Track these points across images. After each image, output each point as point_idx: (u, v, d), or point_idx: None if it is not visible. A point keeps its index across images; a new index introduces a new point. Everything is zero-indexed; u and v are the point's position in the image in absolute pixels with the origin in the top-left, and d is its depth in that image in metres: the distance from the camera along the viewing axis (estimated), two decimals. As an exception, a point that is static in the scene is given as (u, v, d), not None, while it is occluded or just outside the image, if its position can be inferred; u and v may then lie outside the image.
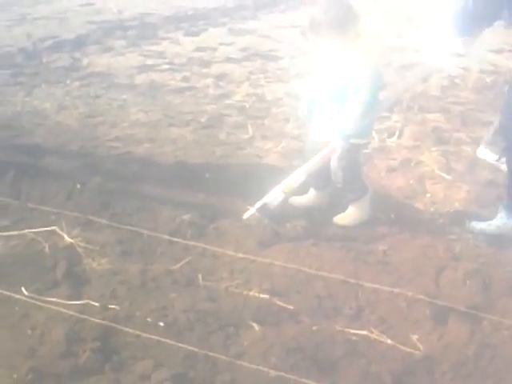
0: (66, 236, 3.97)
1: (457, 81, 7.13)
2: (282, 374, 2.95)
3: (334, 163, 4.17)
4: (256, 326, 3.28)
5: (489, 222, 4.14)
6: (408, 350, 3.17)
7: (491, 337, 3.26)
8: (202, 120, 6.10)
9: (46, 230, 4.04)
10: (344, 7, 4.00)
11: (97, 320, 3.26)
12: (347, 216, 4.30)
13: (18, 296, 3.43)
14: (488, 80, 7.04)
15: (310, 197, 4.49)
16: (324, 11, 3.97)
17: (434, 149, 5.41)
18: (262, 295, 3.50)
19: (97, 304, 3.40)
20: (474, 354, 3.15)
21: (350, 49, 4.00)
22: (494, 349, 3.18)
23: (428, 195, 4.63)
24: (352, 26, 3.98)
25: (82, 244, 3.92)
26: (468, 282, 3.66)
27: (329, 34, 3.95)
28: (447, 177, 4.91)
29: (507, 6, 3.63)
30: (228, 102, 6.66)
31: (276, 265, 3.75)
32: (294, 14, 10.41)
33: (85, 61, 7.99)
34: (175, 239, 3.99)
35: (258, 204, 4.09)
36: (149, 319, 3.31)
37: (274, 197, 4.12)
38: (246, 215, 4.10)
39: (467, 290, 3.60)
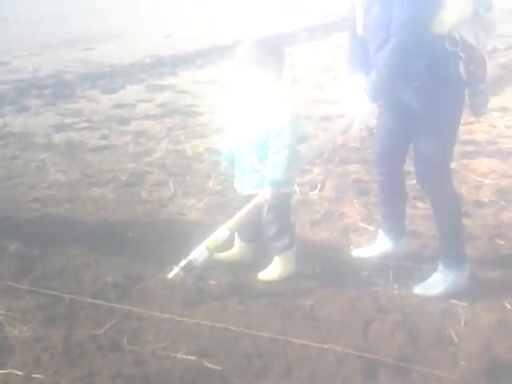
0: (-16, 304, 3.85)
1: (375, 131, 7.22)
2: None
3: (265, 215, 4.17)
4: (184, 389, 3.21)
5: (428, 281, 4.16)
6: (339, 406, 3.14)
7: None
8: (123, 178, 6.04)
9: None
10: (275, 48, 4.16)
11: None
12: (273, 270, 4.27)
13: None
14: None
15: (235, 251, 4.46)
16: (256, 46, 4.10)
17: (355, 200, 5.46)
18: (189, 357, 3.43)
19: (20, 373, 3.29)
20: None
21: (271, 91, 4.04)
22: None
23: (352, 247, 4.65)
24: (277, 67, 4.05)
25: (1, 311, 3.79)
26: (396, 333, 3.67)
27: (258, 66, 4.00)
28: (370, 228, 4.94)
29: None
30: (148, 159, 6.62)
31: (203, 324, 3.69)
32: (213, 68, 10.49)
33: (1, 121, 7.86)
34: (99, 302, 3.90)
35: (183, 262, 4.04)
36: (74, 388, 3.22)
37: (198, 254, 4.08)
38: (170, 274, 4.04)
39: (395, 342, 3.60)
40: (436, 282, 4.08)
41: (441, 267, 4.11)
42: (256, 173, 4.15)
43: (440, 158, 3.96)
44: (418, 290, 4.09)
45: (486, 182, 5.85)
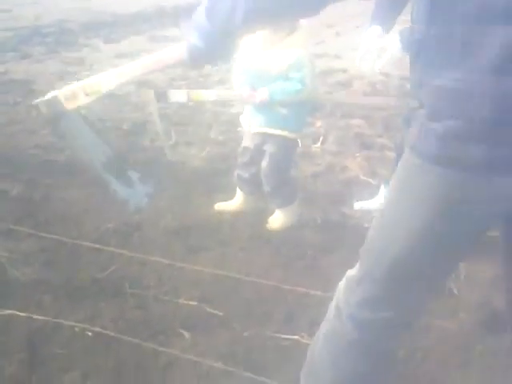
0: (-14, 246, 3.87)
1: (378, 86, 7.22)
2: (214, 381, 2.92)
3: (265, 165, 4.15)
4: (186, 334, 3.23)
5: None
6: (339, 353, 3.16)
7: (421, 338, 3.29)
8: (125, 127, 6.02)
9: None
10: None
11: (22, 331, 3.18)
12: (274, 221, 4.28)
13: None
14: (409, 86, 7.10)
15: (236, 202, 4.46)
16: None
17: (357, 154, 5.46)
18: (191, 302, 3.45)
19: (22, 314, 3.30)
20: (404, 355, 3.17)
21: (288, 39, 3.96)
22: (424, 350, 3.20)
23: (354, 200, 4.65)
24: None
25: (4, 254, 3.81)
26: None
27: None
28: (371, 181, 4.94)
29: None
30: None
31: (204, 271, 3.71)
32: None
33: (2, 68, 7.81)
34: (100, 247, 3.91)
35: None
36: (76, 329, 3.23)
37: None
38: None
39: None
40: None
41: None
42: (265, 110, 4.08)
43: None
44: None
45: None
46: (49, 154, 5.38)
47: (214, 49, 2.16)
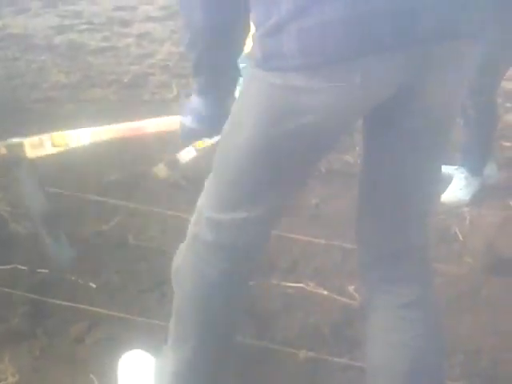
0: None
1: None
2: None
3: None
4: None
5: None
6: (345, 300, 3.17)
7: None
8: (125, 80, 5.97)
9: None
10: None
11: (26, 284, 3.18)
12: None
13: None
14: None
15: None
16: None
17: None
18: (195, 253, 3.44)
19: (25, 268, 3.30)
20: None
21: None
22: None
23: (357, 148, 4.62)
24: None
25: (6, 208, 3.79)
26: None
27: None
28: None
29: None
30: (151, 61, 6.54)
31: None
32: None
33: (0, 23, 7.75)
34: (103, 199, 3.90)
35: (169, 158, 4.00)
36: (80, 281, 3.23)
37: (185, 153, 4.04)
38: (155, 169, 3.95)
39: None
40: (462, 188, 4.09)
41: (466, 174, 4.10)
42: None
43: None
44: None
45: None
46: (49, 107, 5.34)
47: (210, 131, 2.26)
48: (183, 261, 2.20)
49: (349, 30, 1.70)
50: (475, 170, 4.08)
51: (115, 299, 3.11)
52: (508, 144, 4.73)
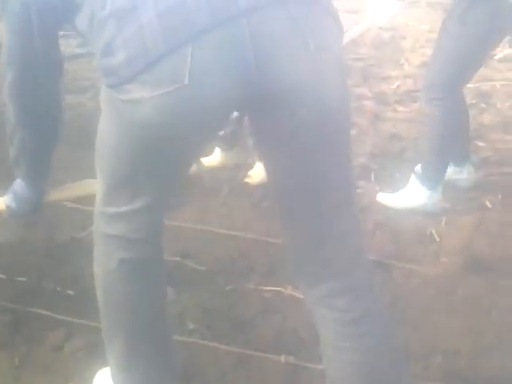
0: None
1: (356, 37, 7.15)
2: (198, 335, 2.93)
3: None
4: (170, 289, 3.22)
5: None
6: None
7: (403, 285, 3.30)
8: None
9: None
10: None
11: (5, 293, 3.16)
12: (256, 174, 4.25)
13: None
14: (386, 36, 7.04)
15: (216, 157, 4.42)
16: None
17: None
18: (174, 258, 3.43)
19: (4, 276, 3.29)
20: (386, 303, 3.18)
21: None
22: (407, 297, 3.21)
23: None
24: None
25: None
26: (377, 232, 3.71)
27: None
28: (352, 131, 4.90)
29: None
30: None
31: (186, 226, 3.69)
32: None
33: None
34: (80, 206, 3.88)
35: None
36: (58, 289, 3.22)
37: None
38: None
39: (377, 240, 3.64)
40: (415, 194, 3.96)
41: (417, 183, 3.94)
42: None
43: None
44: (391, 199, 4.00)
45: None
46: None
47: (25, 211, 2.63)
48: (94, 255, 2.29)
49: (164, 24, 1.72)
50: (436, 178, 3.93)
51: (94, 307, 3.09)
52: (483, 144, 4.75)
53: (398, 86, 5.75)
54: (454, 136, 3.93)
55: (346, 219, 2.05)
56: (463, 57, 3.63)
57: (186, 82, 1.73)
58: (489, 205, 4.00)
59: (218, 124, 2.05)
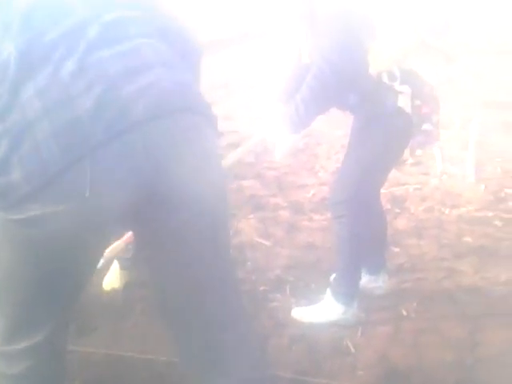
0: None
1: (269, 146, 7.18)
2: None
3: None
4: None
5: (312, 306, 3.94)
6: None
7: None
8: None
9: None
10: None
11: None
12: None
13: None
14: (300, 142, 7.06)
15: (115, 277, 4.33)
16: None
17: (251, 216, 5.39)
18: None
19: None
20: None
21: None
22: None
23: (248, 263, 4.59)
24: None
25: None
26: (294, 347, 3.64)
27: None
28: (266, 243, 4.90)
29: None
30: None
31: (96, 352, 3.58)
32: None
33: None
34: None
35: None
36: None
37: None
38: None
39: (293, 355, 3.57)
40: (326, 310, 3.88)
41: (331, 298, 3.88)
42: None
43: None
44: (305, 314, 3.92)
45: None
46: None
47: None
48: None
49: (60, 140, 1.73)
50: (351, 293, 3.85)
51: None
52: (397, 250, 4.76)
53: (313, 195, 5.77)
54: (366, 250, 3.92)
55: (229, 310, 2.21)
56: (366, 172, 3.64)
57: (87, 194, 1.75)
58: (404, 313, 3.97)
59: (115, 227, 2.09)
